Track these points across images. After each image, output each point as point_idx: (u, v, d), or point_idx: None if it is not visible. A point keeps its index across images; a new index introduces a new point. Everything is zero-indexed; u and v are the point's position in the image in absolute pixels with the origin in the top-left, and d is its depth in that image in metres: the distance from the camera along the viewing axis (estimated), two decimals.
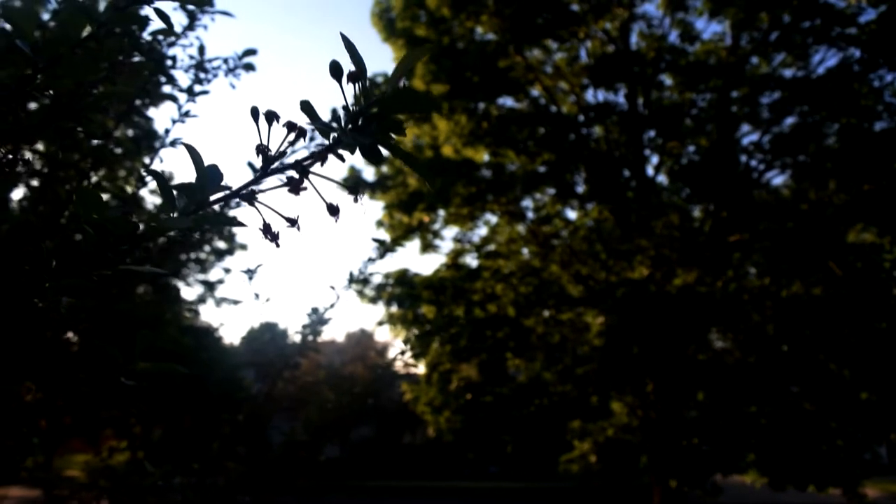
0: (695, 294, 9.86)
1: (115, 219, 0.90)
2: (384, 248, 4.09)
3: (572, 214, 12.88)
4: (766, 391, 10.28)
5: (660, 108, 11.49)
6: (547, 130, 11.40)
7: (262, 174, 0.87)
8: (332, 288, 3.91)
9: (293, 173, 0.82)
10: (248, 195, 0.88)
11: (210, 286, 20.97)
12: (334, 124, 0.81)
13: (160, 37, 2.22)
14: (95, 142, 2.07)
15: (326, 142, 0.82)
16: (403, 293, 13.34)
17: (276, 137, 0.81)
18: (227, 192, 0.87)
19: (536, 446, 13.97)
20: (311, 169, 0.82)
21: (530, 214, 12.96)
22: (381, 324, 14.67)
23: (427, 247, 14.53)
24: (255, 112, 0.79)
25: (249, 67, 2.70)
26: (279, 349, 4.27)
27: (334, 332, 21.21)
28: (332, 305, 4.02)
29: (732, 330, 10.85)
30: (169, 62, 2.38)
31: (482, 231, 13.78)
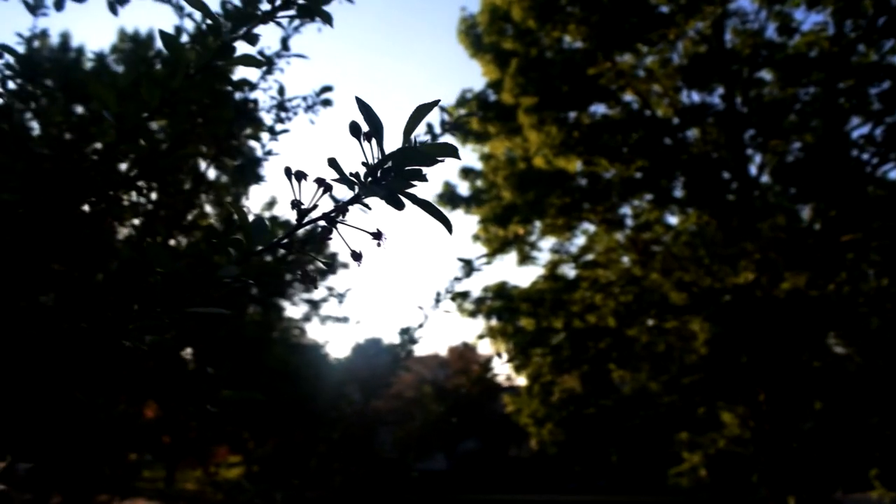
0: (806, 298, 9.39)
1: (179, 270, 0.98)
2: (469, 268, 4.12)
3: (673, 220, 12.55)
4: (890, 400, 9.64)
5: (760, 106, 11.05)
6: (641, 136, 11.17)
7: (296, 227, 0.93)
8: (421, 308, 3.98)
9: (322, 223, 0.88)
10: (287, 244, 0.95)
11: (314, 304, 21.75)
12: (356, 178, 0.86)
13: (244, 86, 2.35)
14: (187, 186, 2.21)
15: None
16: (502, 306, 13.34)
17: (309, 191, 0.86)
18: (271, 243, 0.94)
19: (644, 459, 13.63)
20: (344, 216, 0.87)
21: (629, 222, 12.73)
22: (481, 337, 14.73)
23: (524, 259, 14.49)
24: (287, 172, 0.85)
25: (327, 103, 2.80)
26: (384, 364, 4.38)
27: (437, 346, 21.52)
28: (420, 325, 4.09)
29: (850, 335, 10.25)
30: (251, 105, 2.52)
31: (580, 241, 13.66)
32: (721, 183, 11.39)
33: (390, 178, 0.89)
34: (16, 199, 1.20)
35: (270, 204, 16.77)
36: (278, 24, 2.67)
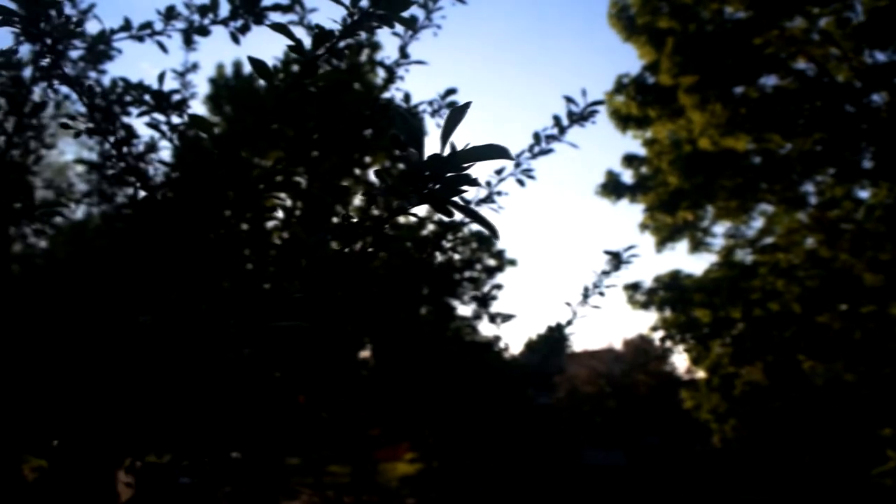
0: None
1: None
2: (618, 260, 3.97)
3: (864, 194, 11.42)
4: None
5: None
6: (818, 105, 10.26)
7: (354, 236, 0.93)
8: (569, 304, 3.90)
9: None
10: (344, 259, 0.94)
11: (483, 302, 21.99)
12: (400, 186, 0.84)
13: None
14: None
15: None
16: (674, 297, 12.79)
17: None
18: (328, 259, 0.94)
19: (840, 457, 12.49)
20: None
21: (812, 200, 11.75)
22: (654, 329, 14.21)
23: (697, 246, 13.81)
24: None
25: (452, 106, 2.80)
26: (555, 363, 4.36)
27: (611, 340, 20.97)
28: (569, 322, 4.00)
29: None
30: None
31: (757, 224, 12.77)
32: None
33: (434, 187, 0.85)
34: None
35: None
36: (395, 33, 2.70)
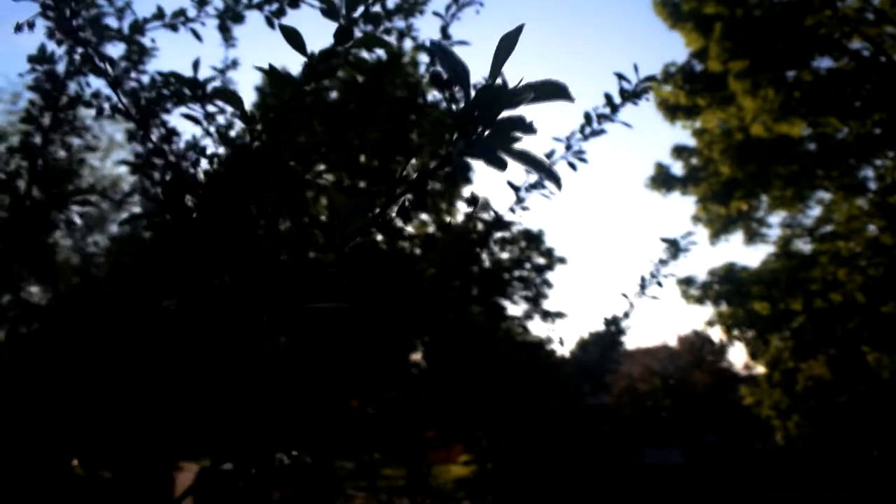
0: None
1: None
2: (675, 248, 3.82)
3: None
4: None
5: None
6: (876, 86, 9.85)
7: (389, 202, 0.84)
8: (625, 296, 3.77)
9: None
10: (383, 224, 0.85)
11: (534, 301, 21.75)
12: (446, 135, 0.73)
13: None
14: None
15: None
16: (730, 290, 12.43)
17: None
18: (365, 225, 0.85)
19: None
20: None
21: (872, 185, 11.30)
22: (710, 324, 13.86)
23: (752, 237, 13.43)
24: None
25: None
26: (608, 358, 4.24)
27: (666, 337, 20.53)
28: (625, 314, 3.88)
29: None
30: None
31: (814, 212, 12.34)
32: None
33: (484, 135, 0.74)
34: None
35: (483, 206, 17.14)
36: (436, 13, 2.61)
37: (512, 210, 2.72)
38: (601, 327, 4.02)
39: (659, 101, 12.40)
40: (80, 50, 1.90)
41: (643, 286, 3.66)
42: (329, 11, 1.17)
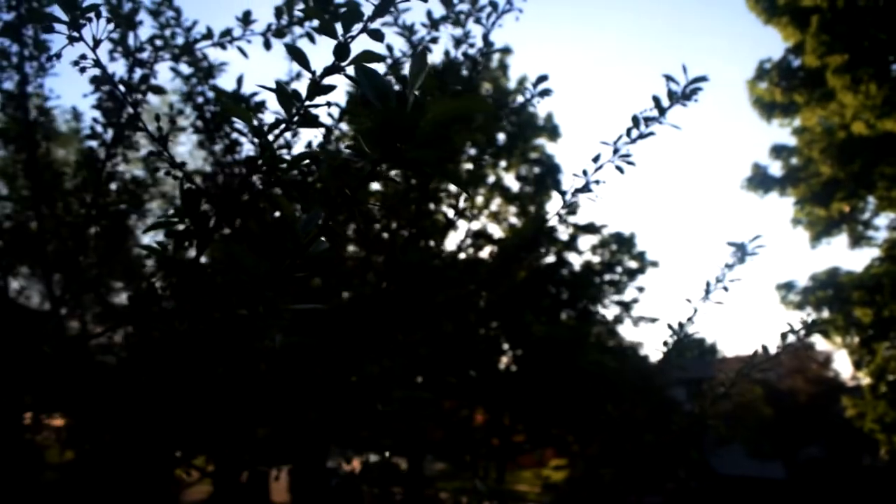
0: None
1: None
2: (742, 252, 3.71)
3: None
4: None
5: None
6: None
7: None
8: (689, 301, 3.70)
9: None
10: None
11: (626, 306, 21.26)
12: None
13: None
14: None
15: None
16: (832, 296, 11.83)
17: None
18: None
19: None
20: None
21: None
22: (809, 332, 13.21)
23: (857, 240, 12.75)
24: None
25: (545, 93, 2.71)
26: (707, 365, 4.15)
27: (765, 344, 19.44)
28: (689, 320, 3.80)
29: None
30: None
31: None
32: None
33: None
34: None
35: (572, 210, 17.05)
36: (478, 20, 2.65)
37: (560, 216, 2.72)
38: (669, 335, 3.95)
39: (754, 99, 11.96)
40: (138, 71, 2.05)
41: (707, 291, 3.58)
42: (325, 29, 1.23)
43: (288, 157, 1.24)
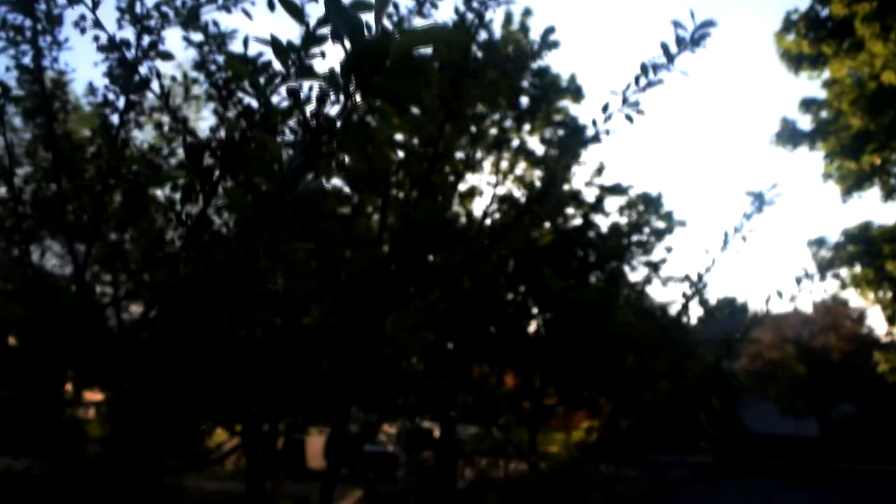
0: None
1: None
2: (760, 202, 3.68)
3: None
4: None
5: None
6: None
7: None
8: (707, 252, 3.69)
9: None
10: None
11: (654, 266, 21.05)
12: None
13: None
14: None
15: None
16: (861, 251, 11.65)
17: None
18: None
19: None
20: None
21: None
22: (843, 287, 13.08)
23: (890, 193, 12.50)
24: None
25: (553, 46, 2.71)
26: (739, 325, 4.17)
27: (798, 302, 19.11)
28: (707, 270, 3.79)
29: None
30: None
31: None
32: None
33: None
34: None
35: (599, 171, 16.80)
36: None
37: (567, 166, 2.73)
38: (685, 288, 3.94)
39: (782, 52, 11.71)
40: (147, 38, 2.09)
41: (725, 241, 3.57)
42: None
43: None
